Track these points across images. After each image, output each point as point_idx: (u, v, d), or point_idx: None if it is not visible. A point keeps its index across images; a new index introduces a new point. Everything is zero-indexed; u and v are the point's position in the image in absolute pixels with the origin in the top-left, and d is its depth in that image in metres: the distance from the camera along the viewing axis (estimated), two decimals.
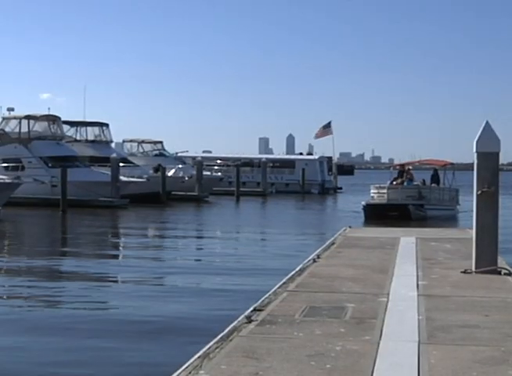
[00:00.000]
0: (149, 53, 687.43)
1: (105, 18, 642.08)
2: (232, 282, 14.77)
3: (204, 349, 5.72)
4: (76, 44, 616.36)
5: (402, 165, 37.09)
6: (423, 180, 34.58)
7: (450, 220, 30.99)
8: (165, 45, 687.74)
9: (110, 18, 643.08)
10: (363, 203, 32.94)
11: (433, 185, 34.24)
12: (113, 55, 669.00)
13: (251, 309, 7.22)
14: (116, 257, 20.72)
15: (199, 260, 19.20)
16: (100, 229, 28.26)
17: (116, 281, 15.63)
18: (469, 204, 13.76)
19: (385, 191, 32.07)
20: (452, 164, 38.47)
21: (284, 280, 9.07)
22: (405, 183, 32.90)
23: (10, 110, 43.37)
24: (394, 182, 33.27)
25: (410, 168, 35.70)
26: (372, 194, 33.03)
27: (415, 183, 33.30)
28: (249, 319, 6.71)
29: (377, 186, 33.24)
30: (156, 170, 46.93)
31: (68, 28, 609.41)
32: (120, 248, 23.00)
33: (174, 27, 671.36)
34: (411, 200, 31.33)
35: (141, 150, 55.42)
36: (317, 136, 65.40)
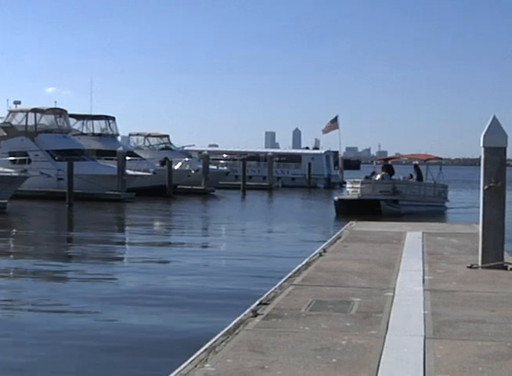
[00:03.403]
0: (156, 47, 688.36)
1: (110, 11, 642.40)
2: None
3: (210, 343, 5.71)
4: (80, 37, 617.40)
5: (386, 160, 36.76)
6: (410, 175, 33.90)
7: (430, 217, 28.66)
8: (172, 39, 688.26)
9: (115, 11, 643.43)
10: (335, 198, 32.39)
11: (411, 180, 33.41)
12: (118, 48, 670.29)
13: (257, 302, 7.21)
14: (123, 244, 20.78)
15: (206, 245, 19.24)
16: (107, 221, 28.29)
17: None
18: (469, 199, 13.73)
19: (359, 186, 31.23)
20: (439, 158, 37.66)
21: (290, 274, 9.06)
22: (381, 177, 32.08)
23: (17, 103, 43.43)
24: (379, 176, 32.38)
25: (397, 161, 35.20)
26: (347, 189, 32.50)
27: (393, 177, 32.42)
28: (255, 313, 6.71)
29: (352, 180, 32.55)
30: (162, 163, 46.93)
31: (72, 22, 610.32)
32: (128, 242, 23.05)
33: (182, 22, 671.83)
34: (384, 196, 30.50)
35: (147, 144, 55.48)
36: (324, 131, 65.32)
